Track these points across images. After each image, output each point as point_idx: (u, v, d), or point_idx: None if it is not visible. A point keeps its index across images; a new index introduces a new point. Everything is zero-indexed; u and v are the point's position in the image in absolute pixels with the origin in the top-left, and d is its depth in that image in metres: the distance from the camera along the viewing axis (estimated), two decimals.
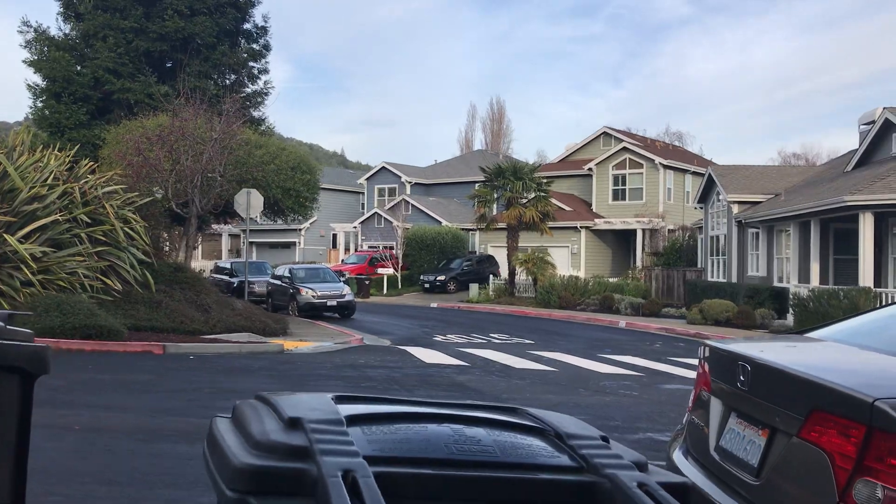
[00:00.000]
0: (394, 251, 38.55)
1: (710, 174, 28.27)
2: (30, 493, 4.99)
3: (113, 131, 23.04)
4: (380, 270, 36.86)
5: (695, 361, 3.55)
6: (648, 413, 8.83)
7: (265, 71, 29.81)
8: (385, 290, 35.84)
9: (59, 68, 26.42)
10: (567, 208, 36.85)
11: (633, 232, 37.13)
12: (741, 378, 2.81)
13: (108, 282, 14.82)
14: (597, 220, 37.44)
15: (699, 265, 30.79)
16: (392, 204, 43.95)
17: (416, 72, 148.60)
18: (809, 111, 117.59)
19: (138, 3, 27.00)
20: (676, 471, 3.20)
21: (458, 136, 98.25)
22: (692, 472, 3.12)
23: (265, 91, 29.78)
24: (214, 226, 31.97)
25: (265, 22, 30.05)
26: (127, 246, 15.51)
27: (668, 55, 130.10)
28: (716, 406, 3.11)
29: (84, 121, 26.52)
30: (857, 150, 23.74)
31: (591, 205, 38.73)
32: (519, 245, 31.35)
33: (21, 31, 27.49)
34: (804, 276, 21.66)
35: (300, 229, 48.18)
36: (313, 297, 22.89)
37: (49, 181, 14.87)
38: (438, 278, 35.43)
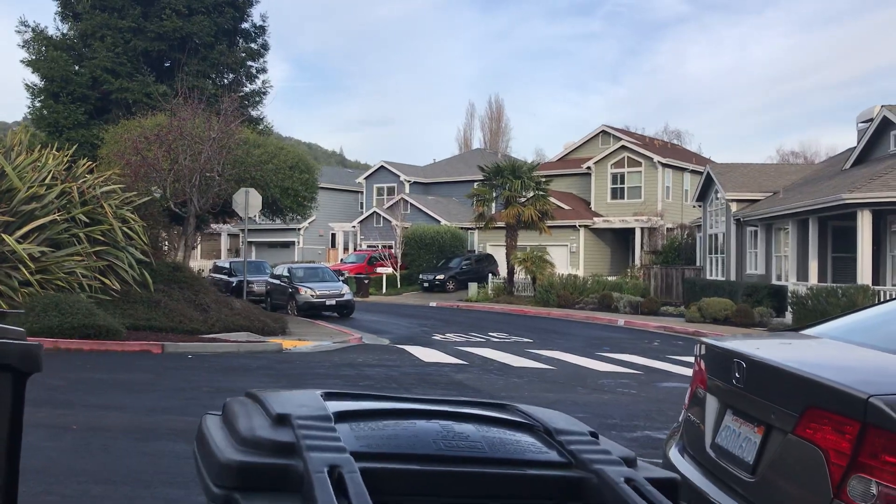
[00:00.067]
0: (393, 250, 38.55)
1: (708, 172, 28.28)
2: (27, 492, 5.00)
3: (111, 131, 23.04)
4: (379, 270, 36.86)
5: (693, 359, 3.55)
6: (646, 411, 8.84)
7: (263, 70, 29.86)
8: (384, 290, 35.85)
9: (57, 68, 26.42)
10: (566, 207, 36.85)
11: (632, 230, 37.13)
12: (736, 375, 2.82)
13: (107, 281, 14.81)
14: (595, 219, 37.45)
15: (698, 263, 30.80)
16: (391, 203, 43.94)
17: (415, 71, 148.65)
18: (808, 109, 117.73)
19: (136, 2, 27.00)
20: (673, 468, 3.20)
21: (456, 134, 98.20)
22: (688, 470, 3.13)
23: (263, 90, 29.83)
24: (213, 225, 32.00)
25: (263, 21, 30.09)
26: (125, 245, 15.51)
27: (666, 53, 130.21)
28: (712, 403, 3.11)
29: (82, 120, 26.52)
30: (855, 147, 23.76)
31: (589, 203, 38.74)
32: (518, 244, 31.36)
33: (19, 31, 27.52)
34: (802, 274, 21.67)
35: (299, 229, 48.17)
36: (312, 296, 22.89)
37: (47, 181, 14.86)
38: (437, 277, 35.44)
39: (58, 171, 15.42)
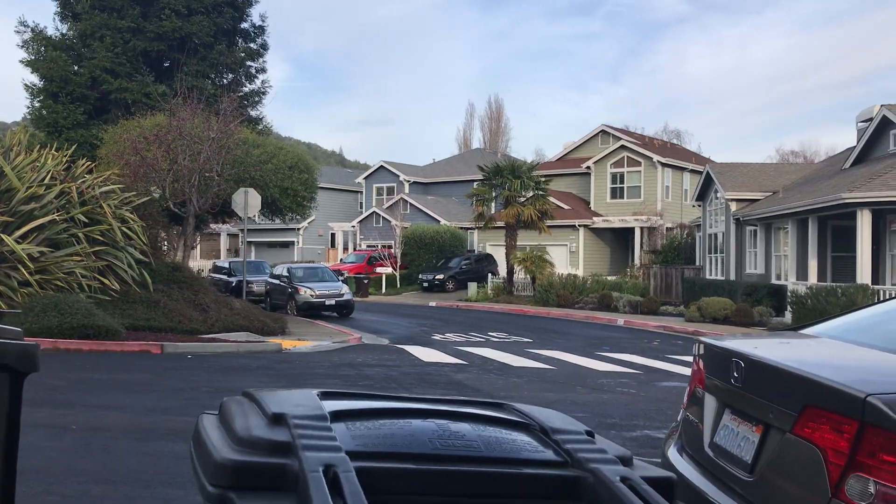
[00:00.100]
0: (392, 250, 38.56)
1: (708, 172, 28.29)
2: (27, 492, 5.00)
3: (110, 131, 23.04)
4: (378, 269, 36.86)
5: (691, 359, 3.55)
6: (646, 410, 8.84)
7: (263, 70, 29.85)
8: (384, 289, 35.85)
9: (57, 68, 26.41)
10: (565, 207, 36.85)
11: (632, 230, 37.14)
12: (735, 374, 2.82)
13: (106, 281, 14.81)
14: (595, 219, 37.45)
15: (697, 263, 30.81)
16: (390, 203, 43.94)
17: (415, 71, 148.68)
18: (807, 109, 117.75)
19: (135, 2, 26.99)
20: (671, 467, 3.20)
21: (456, 134, 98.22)
22: (687, 469, 3.13)
23: (263, 90, 29.82)
24: (213, 225, 31.98)
25: (263, 21, 30.08)
26: (124, 245, 15.51)
27: (666, 53, 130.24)
28: (710, 403, 3.12)
29: (81, 120, 26.51)
30: (854, 147, 23.76)
31: (589, 203, 38.74)
32: (517, 244, 31.36)
33: (18, 31, 27.50)
34: (802, 274, 21.67)
35: (299, 229, 48.17)
36: (312, 296, 22.89)
37: (46, 181, 14.85)
38: (437, 277, 35.44)
39: (57, 171, 15.41)
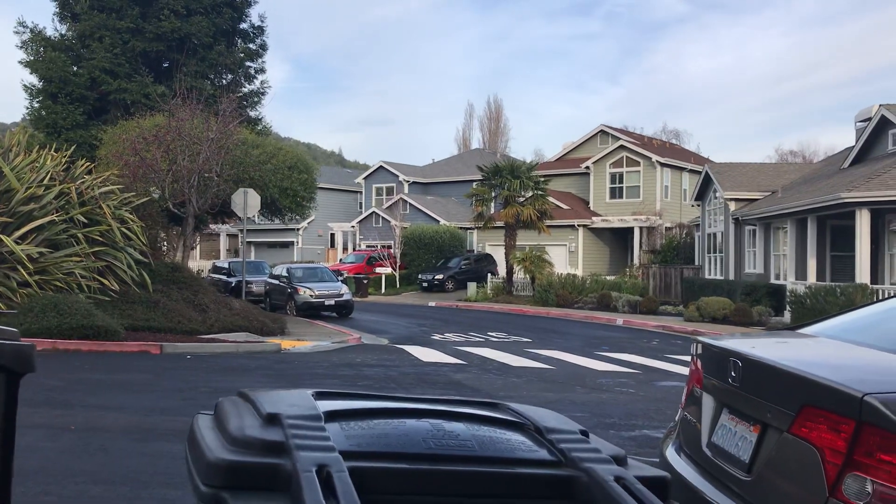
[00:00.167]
0: (392, 250, 38.55)
1: (706, 172, 28.31)
2: (25, 492, 5.00)
3: (109, 131, 23.03)
4: (378, 270, 36.86)
5: (690, 358, 3.55)
6: (645, 410, 8.84)
7: (262, 71, 29.85)
8: (383, 290, 35.85)
9: (56, 69, 26.41)
10: (564, 207, 36.86)
11: (631, 230, 37.15)
12: (732, 374, 2.82)
13: (106, 282, 14.81)
14: (594, 219, 37.46)
15: (696, 263, 30.83)
16: (390, 203, 43.95)
17: (414, 71, 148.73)
18: (806, 108, 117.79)
19: (134, 3, 26.99)
20: (669, 467, 3.20)
21: (455, 135, 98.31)
22: (685, 469, 3.13)
23: (262, 91, 29.83)
24: (212, 225, 32.01)
25: (262, 22, 30.08)
26: (124, 246, 15.50)
27: (665, 53, 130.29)
28: (708, 402, 3.12)
29: (81, 121, 26.51)
30: (853, 147, 23.78)
31: (588, 203, 38.75)
32: (517, 243, 31.37)
33: (17, 32, 27.50)
34: (801, 273, 21.68)
35: (298, 229, 48.17)
36: (311, 296, 22.89)
37: (45, 182, 14.85)
38: (436, 277, 35.44)
39: (56, 171, 15.41)
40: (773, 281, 23.59)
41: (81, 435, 6.66)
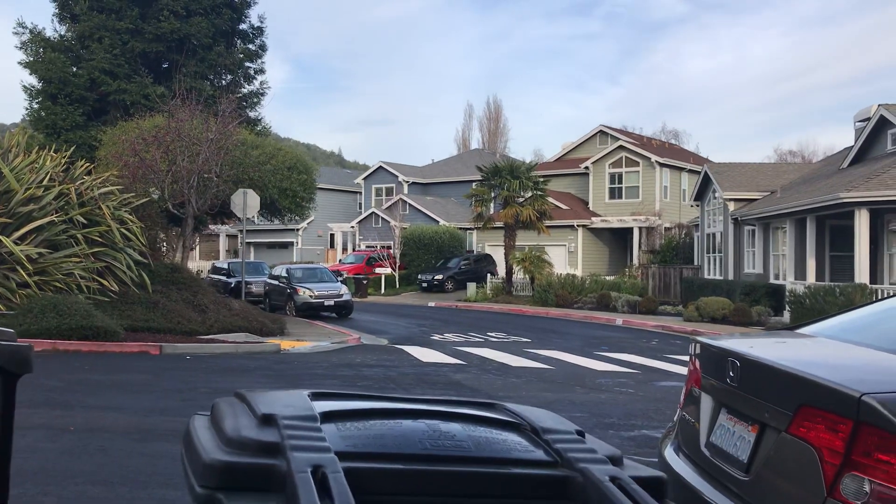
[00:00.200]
0: (391, 251, 38.55)
1: (706, 172, 28.32)
2: (24, 493, 5.00)
3: (109, 132, 23.03)
4: (377, 270, 36.86)
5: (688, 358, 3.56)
6: (644, 410, 8.84)
7: (261, 71, 29.84)
8: (383, 290, 35.84)
9: (55, 70, 26.40)
10: (564, 207, 36.87)
11: (630, 230, 37.16)
12: (731, 374, 2.82)
13: (105, 283, 14.81)
14: (593, 219, 37.47)
15: (696, 263, 30.84)
16: (389, 203, 43.95)
17: (414, 71, 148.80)
18: (805, 108, 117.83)
19: (134, 3, 26.99)
20: (668, 467, 3.21)
21: (455, 135, 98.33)
22: (683, 468, 3.13)
23: (261, 91, 29.82)
24: (211, 226, 31.98)
25: (261, 22, 30.07)
26: (123, 247, 15.50)
27: (664, 53, 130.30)
28: (706, 402, 3.12)
29: (80, 122, 26.51)
30: (852, 147, 23.79)
31: (587, 203, 38.75)
32: (516, 244, 31.37)
33: (16, 33, 27.50)
34: (800, 273, 21.69)
35: (298, 229, 48.17)
36: (311, 296, 22.89)
37: (45, 182, 14.85)
38: (436, 277, 35.44)
39: (55, 172, 15.41)
40: (772, 281, 23.60)
41: (81, 435, 6.66)
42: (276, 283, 25.04)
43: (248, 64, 29.44)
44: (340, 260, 42.95)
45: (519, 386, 10.72)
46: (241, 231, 22.61)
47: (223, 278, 28.18)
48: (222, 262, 33.06)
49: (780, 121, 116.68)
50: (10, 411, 1.46)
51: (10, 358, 1.43)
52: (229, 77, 29.06)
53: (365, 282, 34.34)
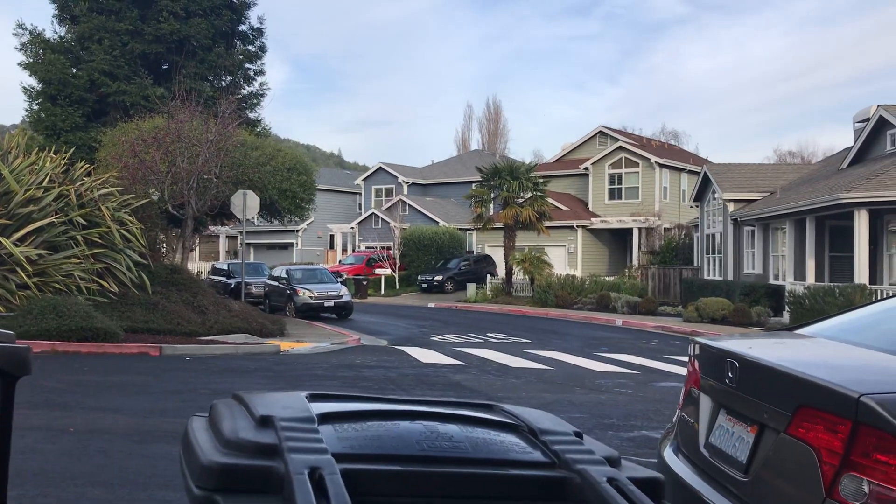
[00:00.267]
0: (391, 251, 38.55)
1: (705, 172, 28.32)
2: (24, 495, 4.99)
3: (109, 133, 23.01)
4: (377, 271, 36.87)
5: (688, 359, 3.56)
6: (643, 410, 8.84)
7: (261, 72, 29.81)
8: (383, 291, 35.85)
9: (55, 71, 26.38)
10: (563, 208, 36.88)
11: (630, 231, 37.17)
12: (730, 375, 2.82)
13: (105, 284, 14.81)
14: (593, 220, 37.47)
15: (695, 263, 30.84)
16: (389, 204, 43.95)
17: (413, 72, 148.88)
18: (805, 109, 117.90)
19: (133, 5, 26.97)
20: (667, 468, 3.21)
21: (454, 136, 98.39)
22: (682, 469, 3.13)
23: (261, 92, 29.79)
24: (211, 227, 31.98)
25: (261, 23, 30.04)
26: (123, 248, 15.50)
27: (664, 53, 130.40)
28: (705, 403, 3.12)
29: (80, 123, 26.48)
30: (851, 147, 23.80)
31: (587, 204, 38.76)
32: (516, 244, 31.38)
33: (16, 34, 27.47)
34: (800, 274, 21.69)
35: (297, 230, 48.17)
36: (310, 297, 22.88)
37: (44, 184, 14.85)
38: (436, 278, 35.44)
39: (55, 173, 15.41)
40: (771, 281, 23.61)
41: (80, 437, 6.66)
42: (275, 284, 25.04)
43: (247, 65, 29.42)
44: (340, 261, 42.96)
45: (518, 387, 10.72)
46: (240, 232, 22.60)
47: (223, 279, 28.18)
48: (222, 263, 33.06)
49: (780, 121, 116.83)
50: (9, 413, 1.46)
51: (8, 360, 1.43)
52: (229, 78, 29.03)
53: (365, 283, 34.35)
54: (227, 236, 50.27)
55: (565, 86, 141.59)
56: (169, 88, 24.25)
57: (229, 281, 27.22)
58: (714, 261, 28.23)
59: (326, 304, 22.91)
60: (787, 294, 20.93)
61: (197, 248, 40.21)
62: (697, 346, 3.33)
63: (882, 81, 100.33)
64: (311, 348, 15.25)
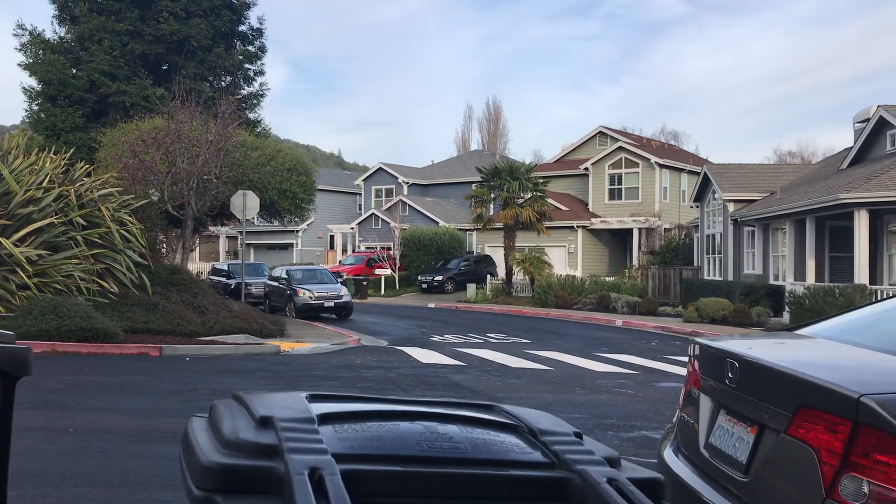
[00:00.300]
0: (391, 252, 38.57)
1: (705, 173, 28.32)
2: (24, 495, 4.99)
3: (109, 134, 23.01)
4: (377, 271, 36.88)
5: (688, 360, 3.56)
6: (643, 411, 8.84)
7: (261, 73, 29.81)
8: (383, 291, 35.85)
9: (55, 71, 26.38)
10: (563, 208, 36.88)
11: (630, 231, 37.17)
12: (730, 375, 2.82)
13: (105, 284, 14.81)
14: (593, 220, 37.48)
15: (695, 264, 30.84)
16: (389, 205, 43.96)
17: (413, 72, 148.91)
18: (805, 109, 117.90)
19: (133, 5, 26.97)
20: (667, 468, 3.21)
21: (454, 136, 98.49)
22: (682, 470, 3.13)
23: (261, 93, 29.78)
24: (211, 227, 31.97)
25: (261, 24, 30.03)
26: (123, 248, 15.51)
27: (663, 53, 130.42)
28: (705, 403, 3.12)
29: (80, 124, 26.48)
30: (851, 147, 23.80)
31: (587, 204, 38.77)
32: (516, 245, 31.38)
33: (16, 35, 27.46)
34: (800, 274, 21.69)
35: (297, 231, 48.17)
36: (310, 298, 22.89)
37: (44, 184, 14.85)
38: (436, 278, 35.45)
39: (55, 174, 15.41)
40: (771, 282, 23.61)
41: (80, 437, 6.66)
42: (275, 284, 25.04)
43: (247, 65, 29.42)
44: (340, 261, 42.97)
45: (518, 387, 10.72)
46: (240, 232, 22.61)
47: (223, 280, 28.18)
48: (222, 264, 33.07)
49: (780, 121, 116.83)
50: (8, 413, 1.46)
51: (9, 360, 1.43)
52: (229, 78, 29.02)
53: (365, 283, 34.35)
54: (227, 237, 50.28)
55: (565, 86, 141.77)
56: (169, 89, 24.24)
57: (229, 281, 27.23)
58: (714, 261, 28.23)
59: (326, 304, 22.91)
60: (787, 294, 20.93)
61: (197, 249, 40.21)
62: (697, 347, 3.33)
63: (882, 81, 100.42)
64: (311, 349, 15.25)
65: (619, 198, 37.86)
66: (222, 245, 51.81)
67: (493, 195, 32.38)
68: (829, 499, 2.19)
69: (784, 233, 23.27)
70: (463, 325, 21.46)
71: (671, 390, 10.37)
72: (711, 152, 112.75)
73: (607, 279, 30.78)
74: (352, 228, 45.48)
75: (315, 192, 25.10)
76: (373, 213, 44.39)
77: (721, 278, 26.55)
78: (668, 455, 3.36)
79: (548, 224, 31.75)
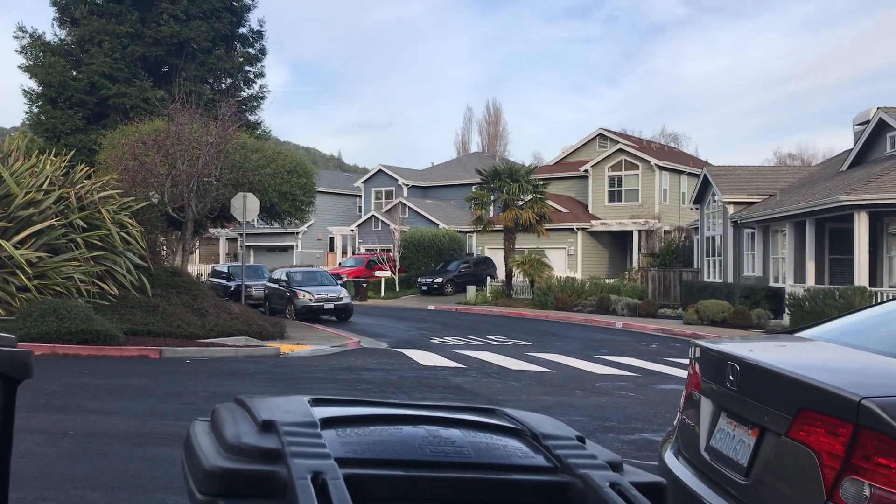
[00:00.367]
0: (391, 254, 38.57)
1: (705, 175, 28.33)
2: (24, 498, 4.99)
3: (109, 136, 23.00)
4: (377, 273, 36.87)
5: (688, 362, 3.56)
6: (644, 413, 8.83)
7: (261, 75, 29.81)
8: (383, 293, 35.84)
9: (55, 73, 26.39)
10: (563, 210, 36.88)
11: (630, 233, 37.17)
12: (730, 378, 2.82)
13: (105, 286, 14.80)
14: (593, 222, 37.48)
15: (695, 266, 30.83)
16: (389, 207, 43.97)
17: (413, 74, 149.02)
18: (805, 111, 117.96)
19: (134, 7, 26.98)
20: (668, 471, 3.20)
21: (454, 138, 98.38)
22: (683, 472, 3.13)
23: (261, 95, 29.77)
24: (211, 230, 31.98)
25: (261, 26, 30.03)
26: (123, 250, 15.50)
27: (663, 56, 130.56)
28: (706, 406, 3.12)
29: (80, 126, 26.48)
30: (851, 150, 23.80)
31: (587, 206, 38.77)
32: (516, 247, 31.38)
33: (16, 37, 27.46)
34: (800, 276, 21.69)
35: (297, 233, 48.18)
36: (310, 300, 22.88)
37: (45, 186, 14.85)
38: (436, 280, 35.44)
39: (55, 176, 15.41)
40: (771, 284, 23.60)
41: (80, 440, 6.65)
42: (275, 286, 25.04)
43: (247, 68, 29.42)
44: (340, 263, 42.96)
45: (519, 389, 10.72)
46: (240, 235, 22.62)
47: (223, 282, 28.18)
48: (222, 266, 33.08)
49: (780, 123, 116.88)
50: (10, 416, 1.46)
51: (10, 363, 1.43)
52: (229, 81, 29.02)
53: (365, 285, 34.36)
54: (227, 239, 50.28)
55: (565, 88, 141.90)
56: (169, 91, 24.24)
57: (229, 283, 27.22)
58: (714, 263, 28.23)
59: (326, 306, 22.91)
60: (787, 296, 20.93)
61: (197, 251, 40.19)
62: (698, 349, 3.33)
63: (882, 83, 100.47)
64: (311, 351, 15.24)
65: (619, 200, 37.87)
66: (222, 247, 51.81)
67: (492, 197, 32.39)
68: (830, 502, 2.19)
69: (784, 235, 23.27)
70: (463, 328, 21.46)
71: (671, 392, 10.37)
72: (711, 154, 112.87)
73: (607, 281, 30.77)
74: (352, 230, 45.49)
75: (315, 194, 25.11)
76: (373, 215, 44.40)
77: (721, 280, 26.55)
78: (669, 458, 3.35)
79: (548, 226, 31.75)
